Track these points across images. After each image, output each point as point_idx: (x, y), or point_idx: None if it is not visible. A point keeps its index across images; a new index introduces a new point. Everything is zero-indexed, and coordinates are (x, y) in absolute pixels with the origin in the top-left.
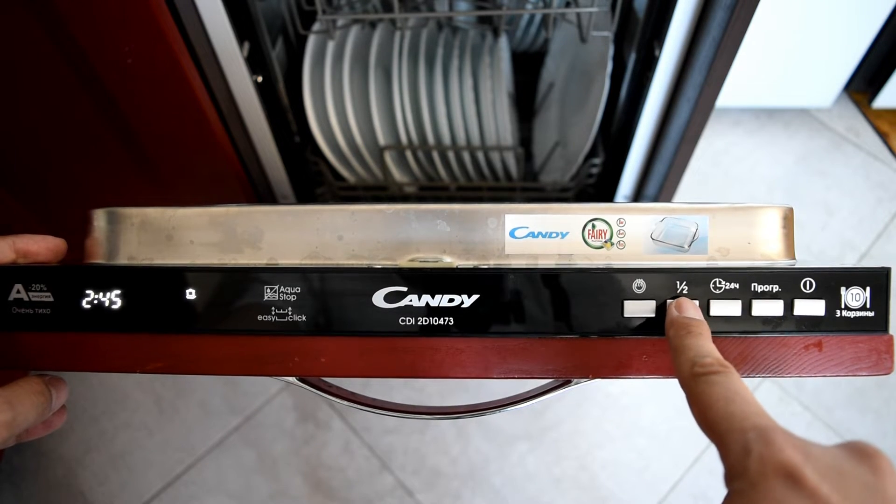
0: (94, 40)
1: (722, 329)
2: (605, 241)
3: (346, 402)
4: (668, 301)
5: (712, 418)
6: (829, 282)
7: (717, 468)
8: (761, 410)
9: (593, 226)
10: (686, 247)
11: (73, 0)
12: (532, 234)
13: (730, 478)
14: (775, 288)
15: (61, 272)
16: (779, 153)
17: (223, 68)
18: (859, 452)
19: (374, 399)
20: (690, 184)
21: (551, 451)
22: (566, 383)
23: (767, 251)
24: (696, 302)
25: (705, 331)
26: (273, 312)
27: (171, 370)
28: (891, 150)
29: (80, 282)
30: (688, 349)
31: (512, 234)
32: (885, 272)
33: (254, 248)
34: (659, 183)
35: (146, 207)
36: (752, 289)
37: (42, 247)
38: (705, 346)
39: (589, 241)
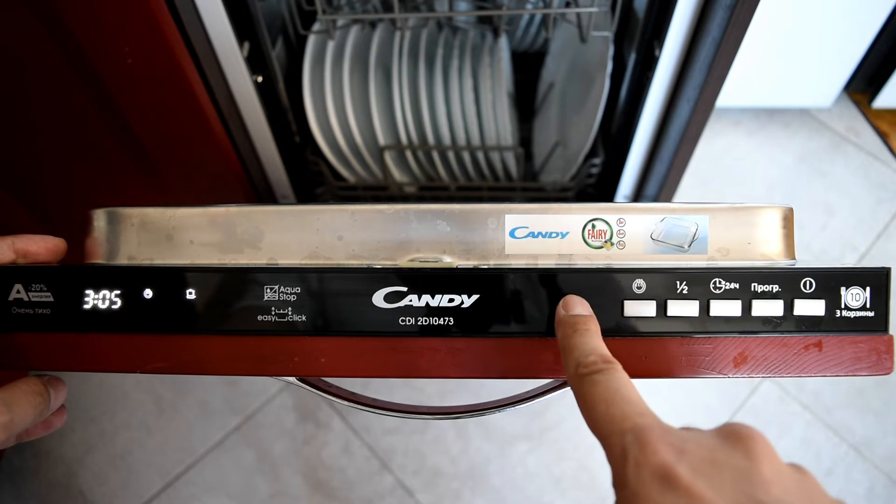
0: (94, 40)
1: (722, 329)
2: (605, 241)
3: (346, 402)
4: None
5: (595, 420)
6: (829, 282)
7: None
8: (642, 408)
9: (593, 226)
10: (686, 247)
11: (73, 0)
12: (532, 234)
13: (614, 485)
14: (775, 288)
15: (61, 272)
16: (779, 153)
17: (223, 68)
18: (734, 437)
19: (374, 399)
20: (690, 184)
21: (551, 451)
22: (566, 383)
23: (767, 251)
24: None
25: (592, 325)
26: (273, 312)
27: (171, 370)
28: (891, 150)
29: (80, 282)
30: (574, 349)
31: (512, 234)
32: (885, 272)
33: (254, 248)
34: (659, 183)
35: (146, 207)
36: (752, 289)
37: (42, 247)
38: (589, 343)
39: (589, 241)
